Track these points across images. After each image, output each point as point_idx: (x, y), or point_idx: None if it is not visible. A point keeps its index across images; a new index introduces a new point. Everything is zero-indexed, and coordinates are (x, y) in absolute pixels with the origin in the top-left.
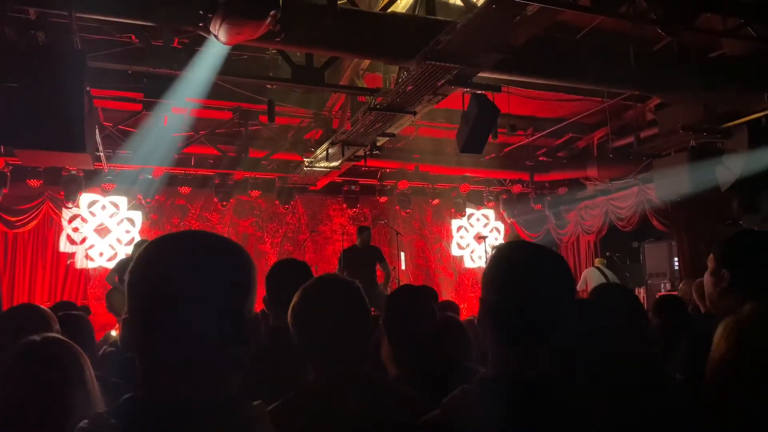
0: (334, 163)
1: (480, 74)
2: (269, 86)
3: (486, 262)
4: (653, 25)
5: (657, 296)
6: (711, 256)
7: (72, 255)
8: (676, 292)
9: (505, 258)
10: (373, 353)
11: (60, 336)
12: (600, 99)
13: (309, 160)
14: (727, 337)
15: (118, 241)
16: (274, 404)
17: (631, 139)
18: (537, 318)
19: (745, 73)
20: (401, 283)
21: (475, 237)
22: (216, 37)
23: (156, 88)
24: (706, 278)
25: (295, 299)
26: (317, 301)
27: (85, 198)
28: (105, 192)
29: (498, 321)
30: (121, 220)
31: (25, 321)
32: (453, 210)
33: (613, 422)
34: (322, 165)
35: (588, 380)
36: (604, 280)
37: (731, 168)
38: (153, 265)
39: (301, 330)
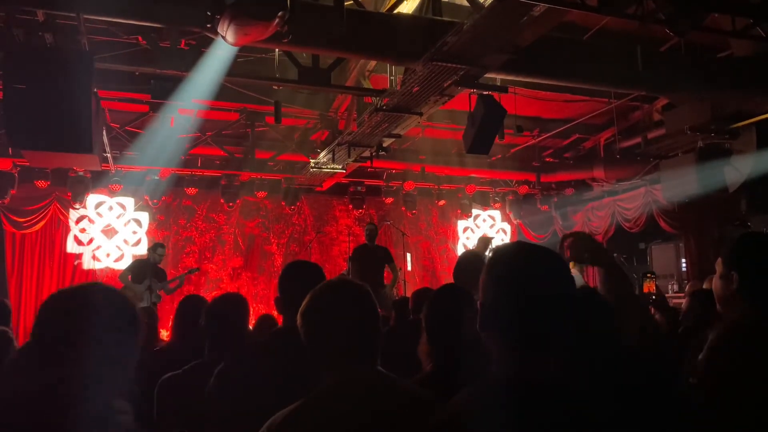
0: (340, 164)
1: (486, 75)
2: (276, 87)
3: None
4: (661, 26)
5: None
6: (719, 259)
7: (79, 256)
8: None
9: (501, 260)
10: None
11: None
12: (607, 99)
13: (315, 161)
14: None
15: (125, 242)
16: (290, 407)
17: (638, 139)
18: (537, 318)
19: (754, 74)
20: (407, 285)
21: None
22: (223, 38)
23: (163, 89)
24: (716, 281)
25: (304, 304)
26: (327, 306)
27: (92, 199)
28: (112, 193)
29: (499, 324)
30: (128, 221)
31: None
32: (459, 211)
33: (620, 425)
34: (328, 166)
35: (593, 382)
36: None
37: (739, 168)
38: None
39: (311, 335)
